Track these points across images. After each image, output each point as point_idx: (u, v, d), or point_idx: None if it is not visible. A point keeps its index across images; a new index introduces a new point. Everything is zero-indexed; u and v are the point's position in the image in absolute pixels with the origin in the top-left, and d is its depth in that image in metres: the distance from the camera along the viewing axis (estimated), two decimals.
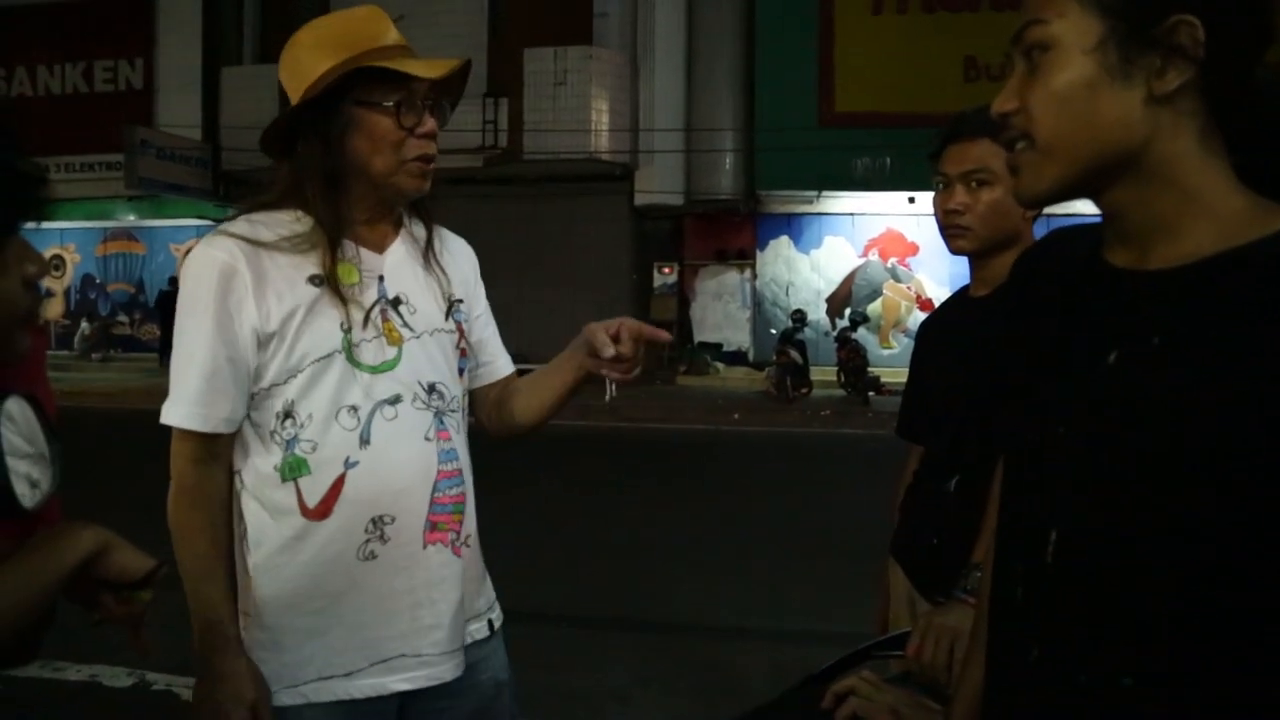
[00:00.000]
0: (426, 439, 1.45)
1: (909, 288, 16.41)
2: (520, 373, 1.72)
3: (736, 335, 16.78)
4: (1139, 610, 0.80)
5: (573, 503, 7.07)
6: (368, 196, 1.47)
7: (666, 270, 16.67)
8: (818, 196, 16.15)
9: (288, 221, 1.45)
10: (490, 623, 1.59)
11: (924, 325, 2.04)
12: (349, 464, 1.40)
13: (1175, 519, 0.78)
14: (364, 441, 1.41)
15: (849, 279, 16.61)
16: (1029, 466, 0.90)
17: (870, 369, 13.56)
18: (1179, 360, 0.80)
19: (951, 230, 1.79)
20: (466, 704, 1.52)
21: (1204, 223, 0.83)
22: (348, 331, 1.42)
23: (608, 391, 12.52)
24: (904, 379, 2.10)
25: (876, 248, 16.55)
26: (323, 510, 1.40)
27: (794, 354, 13.62)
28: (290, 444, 1.41)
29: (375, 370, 1.43)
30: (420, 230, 1.57)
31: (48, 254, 18.74)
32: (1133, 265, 0.87)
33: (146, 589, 1.11)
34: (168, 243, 19.64)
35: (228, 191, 17.54)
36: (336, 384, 1.40)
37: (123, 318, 20.08)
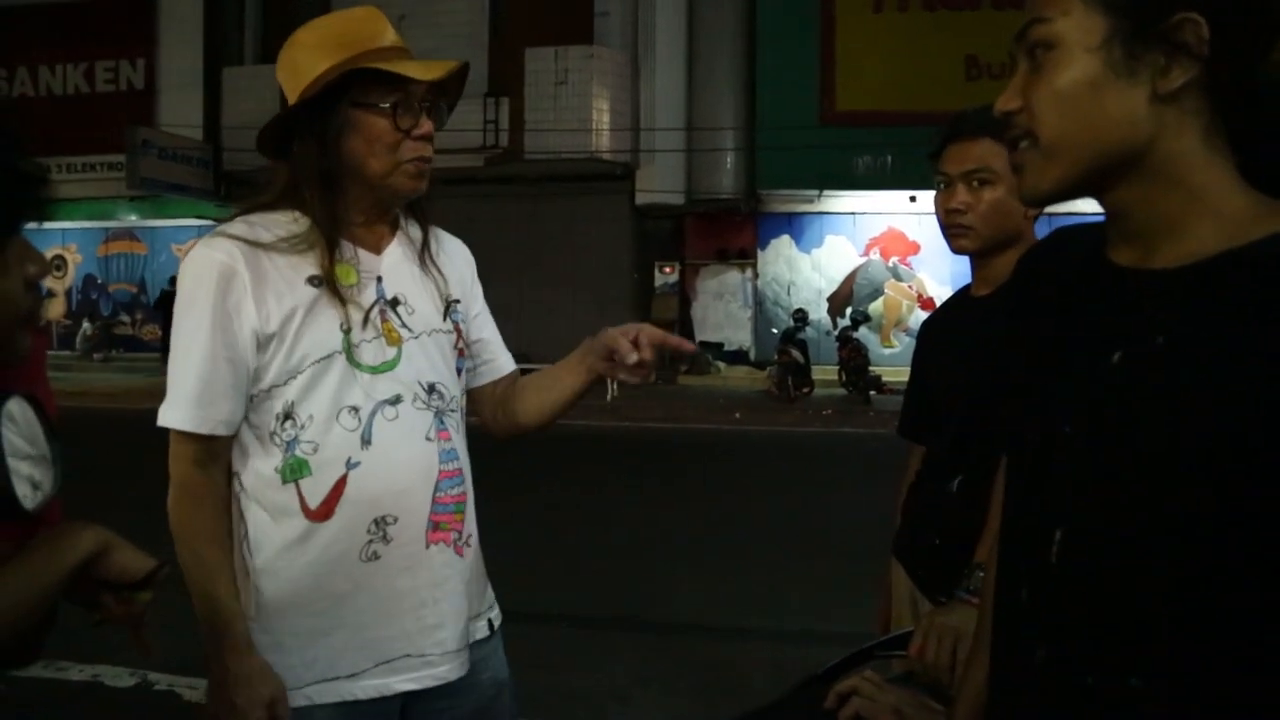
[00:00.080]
0: (427, 439, 1.45)
1: (910, 287, 16.41)
2: (522, 372, 1.72)
3: (738, 335, 16.78)
4: (1146, 611, 0.80)
5: (573, 502, 7.07)
6: (364, 198, 1.46)
7: (668, 270, 16.68)
8: (819, 195, 16.16)
9: (285, 222, 1.44)
10: (490, 622, 1.59)
11: (925, 325, 2.05)
12: (351, 464, 1.40)
13: (1178, 518, 0.78)
14: (365, 442, 1.41)
15: (850, 278, 16.61)
16: (1033, 466, 0.90)
17: (872, 368, 13.57)
18: (1183, 360, 0.80)
19: (953, 230, 1.79)
20: (467, 704, 1.52)
21: (1208, 222, 0.83)
22: (348, 332, 1.42)
23: (609, 391, 12.52)
24: (905, 378, 2.10)
25: (878, 247, 16.55)
26: (325, 511, 1.40)
27: (795, 353, 13.62)
28: (291, 445, 1.40)
29: (375, 371, 1.43)
30: (416, 231, 1.56)
31: (49, 254, 18.66)
32: (1136, 264, 0.87)
33: (147, 589, 1.11)
34: (169, 243, 19.66)
35: (229, 192, 17.55)
36: (337, 385, 1.40)
37: (124, 318, 20.11)
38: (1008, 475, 0.97)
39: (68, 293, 20.36)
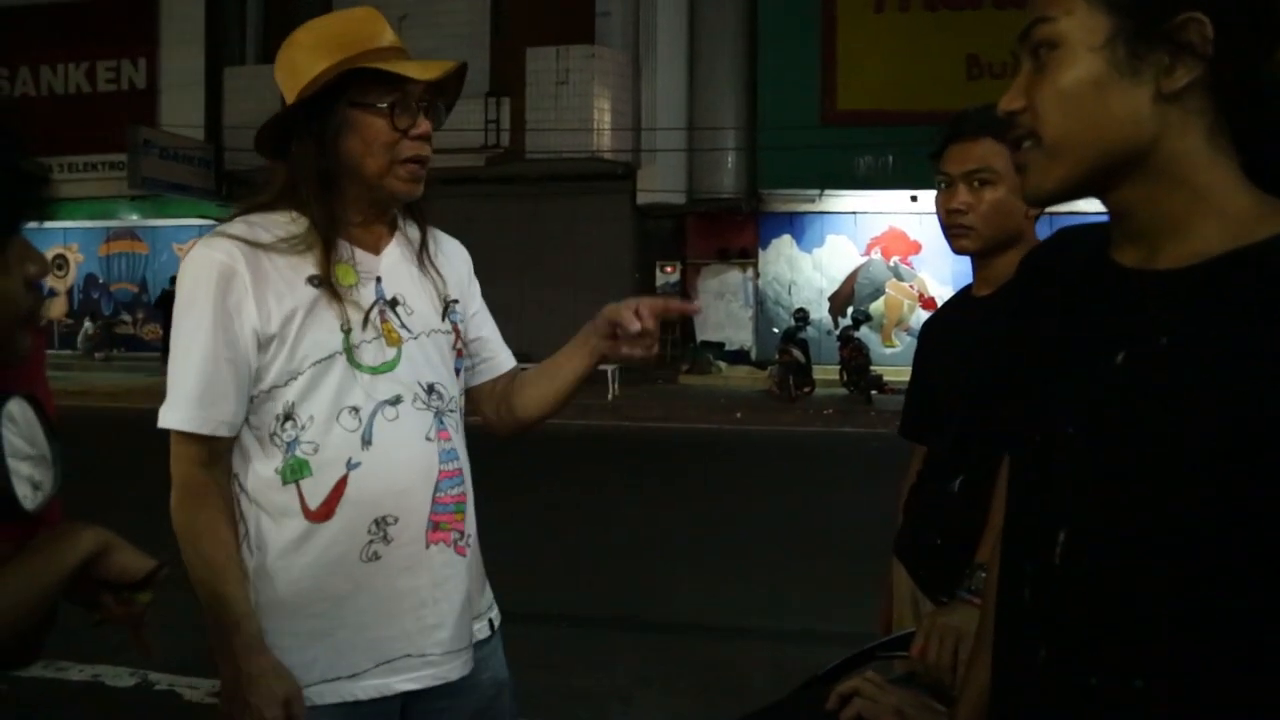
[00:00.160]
0: (428, 439, 1.45)
1: (911, 286, 16.41)
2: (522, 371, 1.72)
3: (739, 334, 16.78)
4: (1148, 612, 0.80)
5: (573, 502, 7.07)
6: (362, 198, 1.46)
7: (669, 269, 16.68)
8: (820, 195, 16.15)
9: (284, 223, 1.44)
10: (490, 622, 1.60)
11: (927, 325, 2.05)
12: (351, 465, 1.40)
13: (1181, 519, 0.78)
14: (366, 442, 1.40)
15: (851, 278, 16.61)
16: (1035, 467, 0.90)
17: (873, 368, 13.57)
18: (1186, 361, 0.80)
19: (954, 230, 1.79)
20: (468, 703, 1.52)
21: (1212, 221, 0.83)
22: (348, 333, 1.42)
23: (610, 390, 12.52)
24: (907, 378, 2.10)
25: (879, 246, 16.55)
26: (325, 512, 1.40)
27: (796, 353, 13.62)
28: (291, 446, 1.40)
29: (375, 371, 1.43)
30: (414, 232, 1.56)
31: (51, 253, 18.80)
32: (1140, 264, 0.86)
33: (147, 590, 1.10)
34: (171, 242, 19.67)
35: (230, 191, 17.56)
36: (338, 385, 1.40)
37: (126, 317, 20.12)
38: (1010, 476, 0.97)
39: (69, 292, 20.38)
